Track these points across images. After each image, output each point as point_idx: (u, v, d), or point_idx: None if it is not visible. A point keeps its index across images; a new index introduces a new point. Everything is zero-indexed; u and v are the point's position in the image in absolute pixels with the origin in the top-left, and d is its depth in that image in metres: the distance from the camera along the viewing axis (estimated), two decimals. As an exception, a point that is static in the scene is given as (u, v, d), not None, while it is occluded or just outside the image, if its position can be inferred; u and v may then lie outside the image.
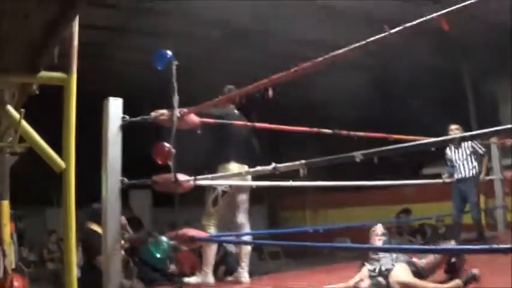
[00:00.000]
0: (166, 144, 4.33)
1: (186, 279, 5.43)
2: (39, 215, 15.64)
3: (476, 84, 14.49)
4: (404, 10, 10.02)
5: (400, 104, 16.15)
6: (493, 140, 9.04)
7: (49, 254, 12.62)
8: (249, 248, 5.58)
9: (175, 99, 4.41)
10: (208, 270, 5.44)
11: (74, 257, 3.23)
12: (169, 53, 4.40)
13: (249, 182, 5.27)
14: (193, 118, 4.99)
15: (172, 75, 4.36)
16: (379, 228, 4.99)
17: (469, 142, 7.64)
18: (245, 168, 5.30)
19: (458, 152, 7.81)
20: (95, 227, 6.37)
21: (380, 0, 10.77)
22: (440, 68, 14.92)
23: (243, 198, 5.62)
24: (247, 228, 5.63)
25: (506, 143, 8.75)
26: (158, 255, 4.34)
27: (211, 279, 5.45)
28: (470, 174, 7.67)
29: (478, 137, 6.68)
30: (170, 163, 4.30)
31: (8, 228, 5.76)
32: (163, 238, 4.27)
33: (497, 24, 12.59)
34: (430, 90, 14.61)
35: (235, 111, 5.75)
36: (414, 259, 4.43)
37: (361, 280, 4.03)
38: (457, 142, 7.27)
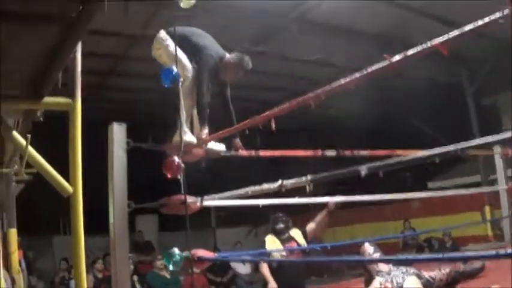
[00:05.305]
0: (176, 159, 4.34)
1: None
2: (47, 244, 15.67)
3: (477, 96, 14.52)
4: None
5: (402, 119, 16.20)
6: (497, 150, 9.05)
7: (61, 282, 12.55)
8: None
9: (183, 117, 4.42)
10: None
11: (85, 282, 3.23)
12: (175, 69, 4.43)
13: (256, 201, 5.17)
14: (199, 151, 4.99)
15: (178, 91, 4.40)
16: (368, 248, 4.93)
17: None
18: None
19: None
20: (268, 239, 6.48)
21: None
22: (440, 80, 14.98)
23: None
24: None
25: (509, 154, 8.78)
26: (171, 267, 4.33)
27: None
28: None
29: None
30: (180, 177, 4.29)
31: (16, 256, 5.77)
32: (176, 250, 4.25)
33: (499, 38, 12.69)
34: (432, 104, 14.62)
35: None
36: (423, 272, 4.44)
37: (379, 291, 4.02)
38: None
